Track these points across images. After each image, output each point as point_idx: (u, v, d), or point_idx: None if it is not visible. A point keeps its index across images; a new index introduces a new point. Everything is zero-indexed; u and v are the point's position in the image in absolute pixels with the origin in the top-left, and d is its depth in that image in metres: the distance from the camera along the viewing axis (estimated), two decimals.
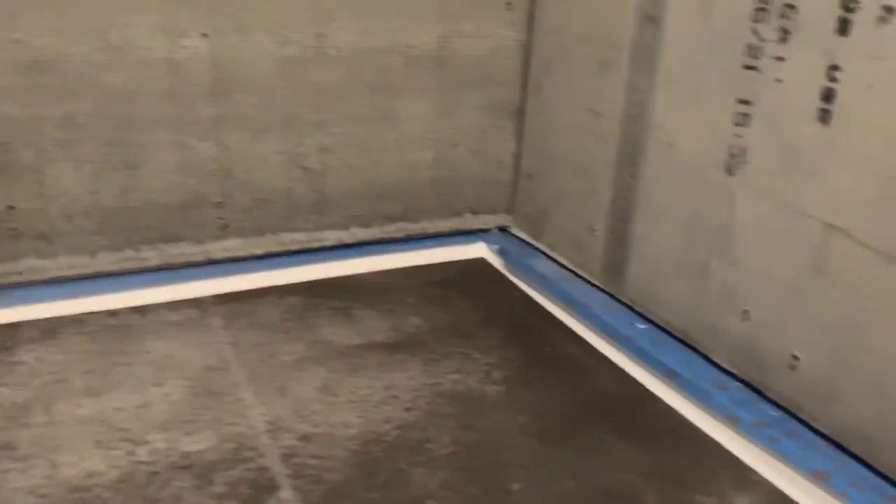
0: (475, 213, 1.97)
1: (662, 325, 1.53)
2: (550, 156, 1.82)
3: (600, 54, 1.61)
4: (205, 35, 1.56)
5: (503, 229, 2.00)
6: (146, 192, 1.62)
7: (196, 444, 1.21)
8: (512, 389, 1.40)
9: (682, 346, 1.48)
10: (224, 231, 1.72)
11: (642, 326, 1.55)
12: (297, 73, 1.66)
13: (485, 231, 1.99)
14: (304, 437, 1.24)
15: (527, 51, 1.86)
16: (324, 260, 1.81)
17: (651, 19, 1.47)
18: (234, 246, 1.74)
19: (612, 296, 1.65)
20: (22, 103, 1.46)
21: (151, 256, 1.67)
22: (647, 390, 1.43)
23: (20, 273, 1.57)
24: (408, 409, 1.32)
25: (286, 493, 1.12)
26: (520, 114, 1.91)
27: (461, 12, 1.78)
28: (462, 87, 1.84)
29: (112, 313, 1.59)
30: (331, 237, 1.84)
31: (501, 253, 1.90)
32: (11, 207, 1.52)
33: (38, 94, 1.46)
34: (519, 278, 1.83)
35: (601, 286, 1.69)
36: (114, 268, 1.65)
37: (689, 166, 1.43)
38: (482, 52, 1.83)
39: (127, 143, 1.57)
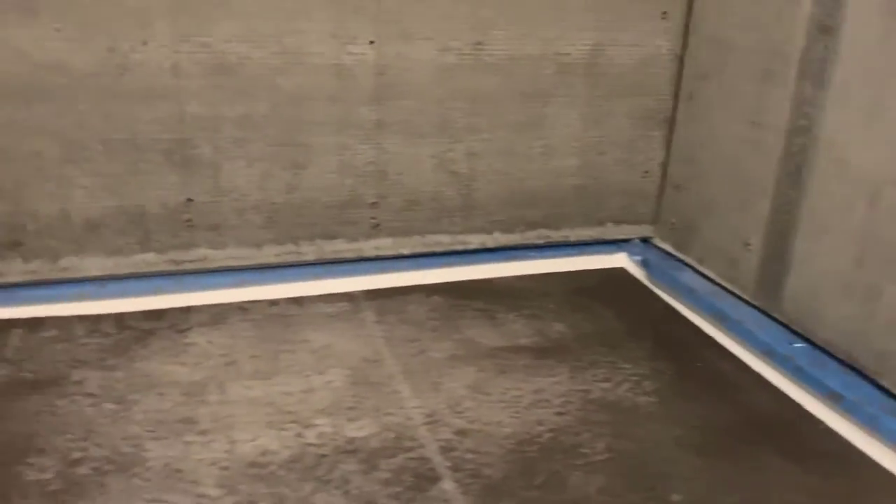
0: (617, 222, 1.96)
1: (822, 345, 1.47)
2: (702, 166, 1.79)
3: (764, 65, 1.57)
4: (371, 42, 1.63)
5: (645, 240, 1.98)
6: (309, 190, 1.71)
7: (359, 430, 1.27)
8: (664, 401, 1.39)
9: (844, 368, 1.42)
10: (376, 230, 1.79)
11: (800, 346, 1.50)
12: (453, 80, 1.71)
13: (626, 241, 1.98)
14: (461, 432, 1.27)
15: (680, 60, 1.84)
16: (467, 263, 1.85)
17: (826, 30, 1.42)
18: (383, 245, 1.81)
19: (765, 313, 1.61)
20: (206, 103, 1.57)
21: (309, 251, 1.76)
22: (807, 411, 1.38)
23: (192, 261, 1.69)
24: (559, 414, 1.34)
25: (447, 485, 1.15)
26: (669, 123, 1.89)
27: (615, 21, 1.78)
28: (611, 95, 1.84)
29: (273, 303, 1.69)
30: (474, 241, 1.88)
31: (644, 264, 1.89)
32: (190, 200, 1.64)
33: (220, 95, 1.58)
34: (663, 290, 1.80)
35: (754, 302, 1.64)
36: (275, 260, 1.75)
37: (863, 182, 1.37)
38: (634, 60, 1.82)
39: (295, 144, 1.66)
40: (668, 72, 1.86)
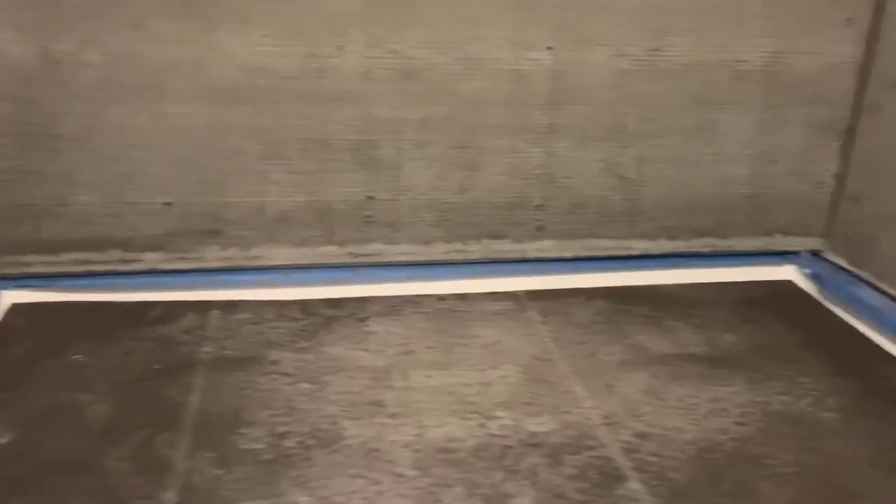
0: (786, 233, 1.91)
1: None
2: (885, 179, 1.72)
3: None
4: (550, 48, 1.67)
5: (815, 253, 1.92)
6: (479, 191, 1.77)
7: (540, 425, 1.31)
8: (850, 418, 1.35)
9: None
10: (540, 232, 1.83)
11: None
12: (626, 85, 1.72)
13: (794, 253, 1.92)
14: (641, 435, 1.29)
15: (864, 68, 1.77)
16: (630, 268, 1.86)
17: None
18: (546, 247, 1.85)
19: None
20: (391, 106, 1.66)
21: (475, 250, 1.82)
22: None
23: (368, 255, 1.79)
24: (740, 424, 1.33)
25: (634, 485, 1.17)
26: (848, 133, 1.83)
27: (795, 28, 1.74)
28: (788, 103, 1.79)
29: (440, 298, 1.75)
30: (637, 247, 1.88)
31: (815, 278, 1.83)
32: (371, 198, 1.73)
33: (404, 99, 1.66)
34: (837, 306, 1.74)
35: None
36: (442, 257, 1.82)
37: None
38: (814, 68, 1.77)
39: (469, 146, 1.72)
40: (850, 80, 1.79)
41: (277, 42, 1.57)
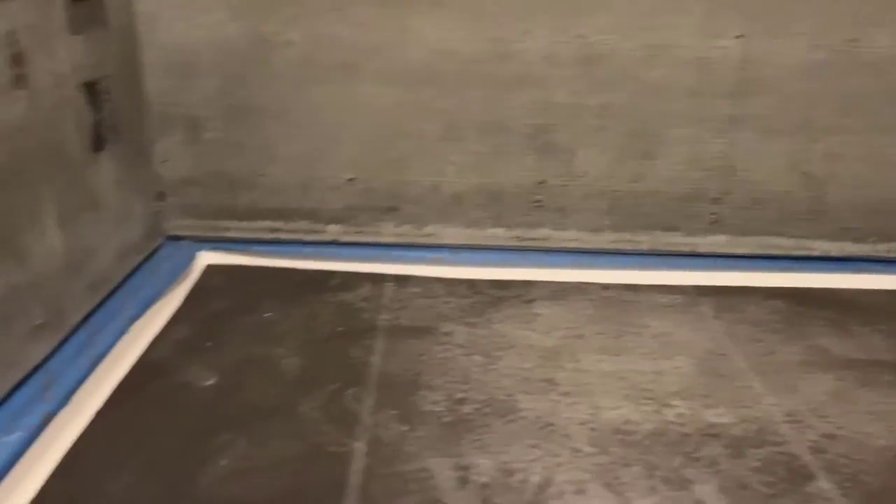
0: None
1: None
2: None
3: None
4: (739, 37, 1.63)
5: None
6: (654, 181, 1.75)
7: (718, 417, 1.28)
8: None
9: None
10: (714, 226, 1.78)
11: None
12: (820, 77, 1.65)
13: None
14: (829, 436, 1.23)
15: None
16: (809, 269, 1.77)
17: None
18: (720, 242, 1.80)
19: None
20: (571, 91, 1.67)
21: (644, 241, 1.80)
22: None
23: (535, 240, 1.81)
24: None
25: (823, 484, 1.12)
26: None
27: None
28: None
29: (605, 287, 1.74)
30: (818, 248, 1.79)
31: None
32: (542, 182, 1.75)
33: (584, 84, 1.67)
34: None
35: None
36: (610, 246, 1.81)
37: None
38: None
39: (648, 134, 1.71)
40: None
41: (466, 26, 1.63)
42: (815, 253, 1.78)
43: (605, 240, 1.80)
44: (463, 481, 1.11)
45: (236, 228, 1.79)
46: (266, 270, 1.76)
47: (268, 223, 1.78)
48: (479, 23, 1.62)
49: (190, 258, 1.75)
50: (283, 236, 1.79)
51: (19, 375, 1.17)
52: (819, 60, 1.64)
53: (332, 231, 1.79)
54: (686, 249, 1.80)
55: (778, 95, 1.66)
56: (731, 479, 1.13)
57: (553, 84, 1.66)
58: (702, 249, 1.80)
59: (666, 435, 1.23)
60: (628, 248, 1.81)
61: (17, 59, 1.15)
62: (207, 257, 1.77)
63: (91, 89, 1.40)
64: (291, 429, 1.21)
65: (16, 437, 1.08)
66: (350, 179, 1.75)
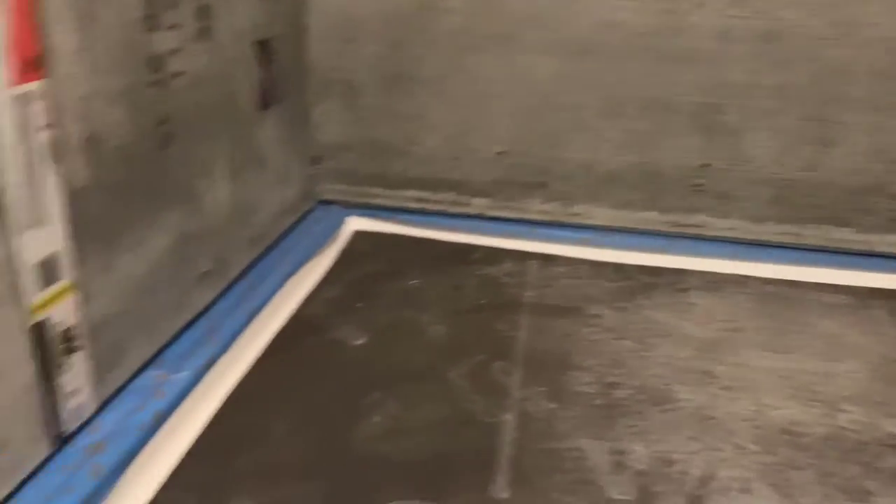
0: None
1: None
2: None
3: None
4: None
5: None
6: (828, 171, 1.61)
7: None
8: None
9: None
10: (893, 224, 1.63)
11: None
12: None
13: None
14: None
15: None
16: None
17: None
18: None
19: None
20: (744, 70, 1.57)
21: (811, 235, 1.67)
22: None
23: (690, 226, 1.72)
24: None
25: None
26: None
27: None
28: None
29: (767, 281, 1.63)
30: None
31: None
32: (705, 165, 1.66)
33: (760, 63, 1.56)
34: None
35: None
36: (773, 239, 1.69)
37: None
38: None
39: (825, 120, 1.57)
40: None
41: None
42: None
43: (768, 231, 1.68)
44: (619, 465, 1.06)
45: (384, 196, 1.80)
46: (410, 239, 1.76)
47: (415, 192, 1.78)
48: None
49: (339, 222, 1.77)
50: (428, 207, 1.79)
51: (187, 317, 1.22)
52: None
53: (478, 204, 1.77)
54: (859, 248, 1.66)
55: None
56: None
57: (725, 61, 1.56)
58: (878, 249, 1.65)
59: (840, 441, 1.13)
60: (793, 241, 1.68)
61: (204, 12, 1.19)
62: (355, 223, 1.79)
63: (264, 48, 1.44)
64: (440, 394, 1.20)
65: (184, 375, 1.12)
66: (500, 153, 1.72)
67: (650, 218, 1.72)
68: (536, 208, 1.76)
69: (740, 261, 1.68)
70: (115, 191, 1.00)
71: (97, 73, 0.95)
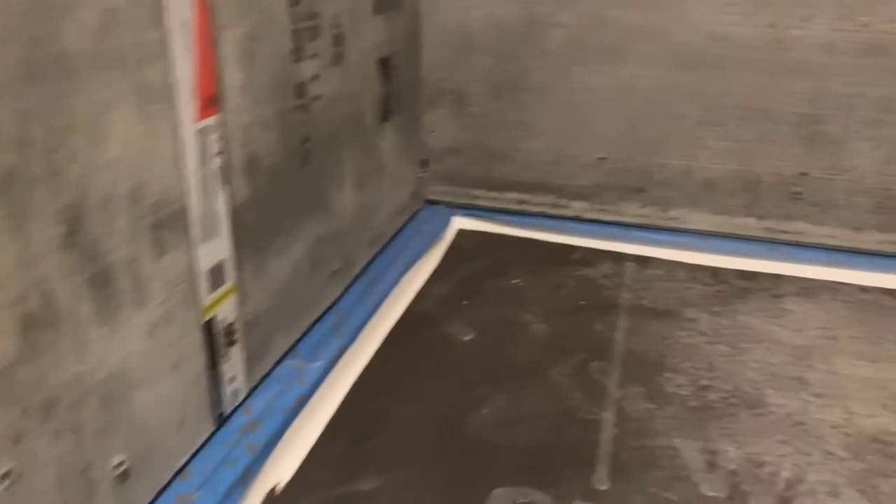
0: None
1: None
2: None
3: None
4: None
5: None
6: None
7: None
8: None
9: None
10: None
11: None
12: None
13: None
14: None
15: None
16: None
17: None
18: None
19: None
20: (849, 82, 1.59)
21: None
22: None
23: (787, 233, 1.75)
24: None
25: None
26: None
27: None
28: None
29: (863, 289, 1.66)
30: None
31: None
32: (804, 174, 1.69)
33: (865, 75, 1.57)
34: None
35: None
36: (872, 247, 1.71)
37: None
38: None
39: None
40: None
41: (741, 10, 1.60)
42: None
43: (867, 239, 1.70)
44: (711, 465, 1.15)
45: (486, 197, 1.91)
46: (512, 239, 1.87)
47: (517, 195, 1.89)
48: (754, 8, 1.58)
49: (446, 222, 1.90)
50: (529, 208, 1.89)
51: (319, 312, 1.38)
52: None
53: (576, 207, 1.86)
54: None
55: None
56: None
57: (829, 73, 1.59)
58: None
59: None
60: (892, 250, 1.69)
61: (338, 39, 1.33)
62: (459, 222, 1.92)
63: (385, 64, 1.56)
64: (544, 390, 1.31)
65: (319, 364, 1.27)
66: (600, 158, 1.80)
67: (748, 224, 1.76)
68: (634, 212, 1.83)
69: (838, 268, 1.71)
70: (266, 204, 1.15)
71: (257, 104, 1.09)
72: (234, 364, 1.12)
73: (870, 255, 1.72)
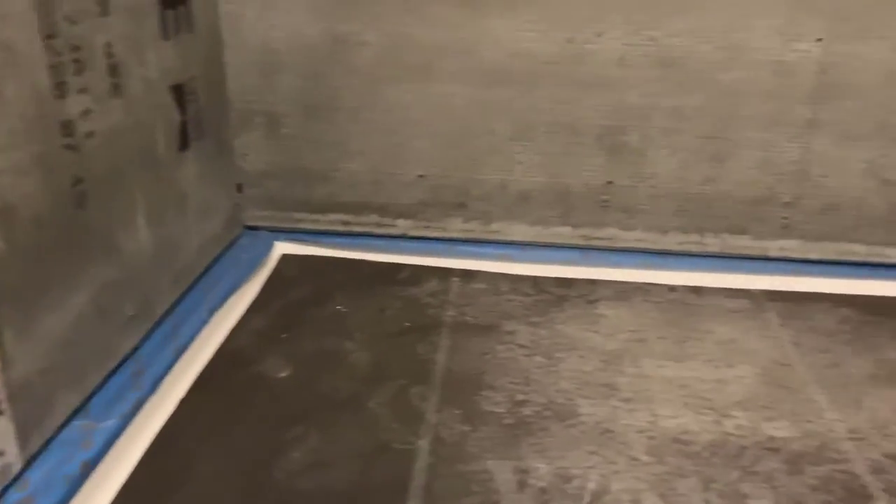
0: None
1: None
2: None
3: None
4: (819, 40, 1.59)
5: None
6: (724, 184, 1.73)
7: (778, 430, 1.28)
8: None
9: None
10: (785, 231, 1.76)
11: None
12: None
13: None
14: (893, 456, 1.22)
15: None
16: (884, 277, 1.73)
17: None
18: (790, 247, 1.77)
19: None
20: (643, 93, 1.67)
21: (712, 244, 1.79)
22: None
23: (601, 239, 1.82)
24: None
25: None
26: None
27: None
28: None
29: (671, 288, 1.74)
30: (894, 255, 1.75)
31: None
32: (610, 182, 1.76)
33: (658, 87, 1.66)
34: None
35: None
36: (677, 248, 1.81)
37: None
38: None
39: (720, 138, 1.69)
40: None
41: (539, 28, 1.63)
42: (891, 260, 1.74)
43: (672, 241, 1.80)
44: (522, 485, 1.15)
45: (310, 220, 1.86)
46: (338, 261, 1.83)
47: (340, 216, 1.85)
48: (552, 24, 1.62)
49: (267, 248, 1.83)
50: (354, 229, 1.86)
51: (113, 364, 1.27)
52: None
53: (402, 225, 1.85)
54: (756, 253, 1.78)
55: (858, 100, 1.62)
56: (787, 497, 1.14)
57: (626, 86, 1.66)
58: (772, 253, 1.78)
59: (724, 447, 1.25)
60: (696, 249, 1.80)
61: (115, 70, 1.23)
62: (283, 247, 1.85)
63: (178, 91, 1.48)
64: (360, 424, 1.27)
65: (111, 423, 1.17)
66: (420, 176, 1.80)
67: (564, 233, 1.82)
68: (458, 227, 1.84)
69: (648, 269, 1.79)
70: (30, 256, 1.05)
71: (6, 149, 0.99)
72: (1, 436, 1.01)
73: (676, 256, 1.82)
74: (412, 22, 1.65)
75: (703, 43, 1.61)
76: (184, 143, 1.51)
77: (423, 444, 1.23)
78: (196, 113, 1.55)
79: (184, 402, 1.30)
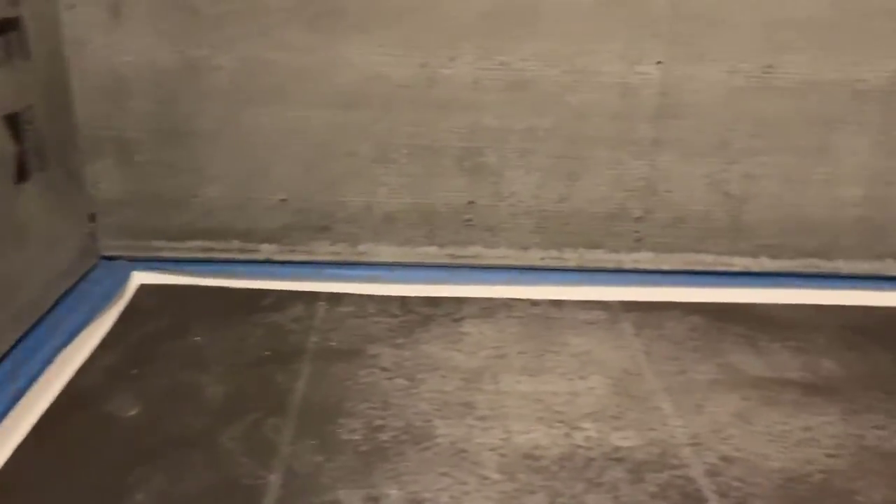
0: None
1: None
2: None
3: None
4: (659, 63, 1.68)
5: None
6: (579, 201, 1.80)
7: (624, 440, 1.34)
8: None
9: None
10: (638, 244, 1.84)
11: None
12: (738, 102, 1.71)
13: None
14: (726, 459, 1.30)
15: None
16: (729, 285, 1.84)
17: None
18: (644, 259, 1.86)
19: None
20: (497, 116, 1.71)
21: (571, 258, 1.86)
22: None
23: (467, 257, 1.85)
24: (830, 456, 1.31)
25: None
26: None
27: None
28: None
29: (534, 303, 1.79)
30: (738, 263, 1.86)
31: None
32: (472, 202, 1.79)
33: (511, 109, 1.71)
34: None
35: None
36: (538, 263, 1.86)
37: None
38: None
39: (572, 157, 1.76)
40: None
41: (393, 52, 1.65)
42: (736, 269, 1.86)
43: (533, 257, 1.85)
44: None
45: (169, 248, 1.81)
46: (199, 289, 1.78)
47: (201, 243, 1.80)
48: (406, 49, 1.65)
49: (124, 278, 1.76)
50: (216, 256, 1.82)
51: None
52: (736, 86, 1.69)
53: (266, 250, 1.82)
54: (611, 266, 1.86)
55: (697, 119, 1.72)
56: None
57: (480, 108, 1.70)
58: (626, 266, 1.86)
59: (572, 459, 1.29)
60: (556, 264, 1.86)
61: None
62: (141, 277, 1.79)
63: (13, 121, 1.41)
64: (209, 461, 1.24)
65: None
66: (283, 200, 1.78)
67: (430, 252, 1.84)
68: (324, 250, 1.83)
69: (512, 285, 1.83)
70: None
71: None
72: None
73: (538, 271, 1.87)
74: (266, 46, 1.64)
75: (552, 67, 1.67)
76: (22, 175, 1.44)
77: (275, 479, 1.21)
78: (36, 143, 1.48)
79: (21, 449, 1.23)
